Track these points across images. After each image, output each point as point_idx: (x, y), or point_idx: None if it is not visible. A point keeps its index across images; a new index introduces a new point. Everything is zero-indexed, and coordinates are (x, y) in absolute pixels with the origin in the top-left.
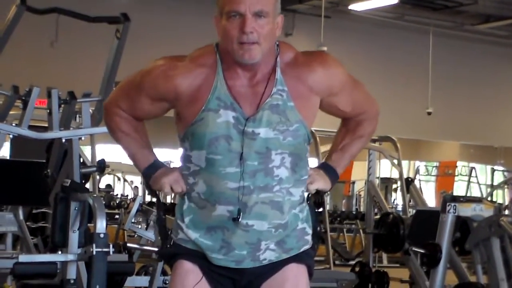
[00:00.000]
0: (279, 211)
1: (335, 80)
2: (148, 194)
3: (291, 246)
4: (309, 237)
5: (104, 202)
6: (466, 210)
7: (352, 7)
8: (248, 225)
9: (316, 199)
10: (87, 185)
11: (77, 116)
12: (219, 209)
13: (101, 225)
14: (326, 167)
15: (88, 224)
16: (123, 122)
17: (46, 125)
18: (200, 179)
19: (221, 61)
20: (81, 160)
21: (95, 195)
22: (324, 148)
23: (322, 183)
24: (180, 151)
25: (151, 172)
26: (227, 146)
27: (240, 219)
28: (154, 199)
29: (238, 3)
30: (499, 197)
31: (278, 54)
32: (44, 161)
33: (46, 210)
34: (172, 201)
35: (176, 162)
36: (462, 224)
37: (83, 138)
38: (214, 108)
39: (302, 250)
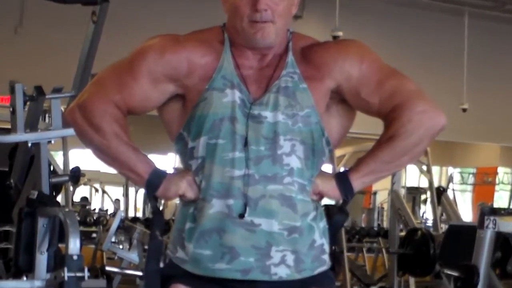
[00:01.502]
0: (291, 209)
1: (353, 60)
2: (151, 206)
3: (305, 266)
4: (326, 257)
5: (78, 218)
6: (508, 225)
7: None
8: (254, 223)
9: (340, 209)
10: (59, 198)
11: (46, 115)
12: (217, 205)
13: (74, 245)
14: (340, 173)
15: (59, 244)
16: (115, 121)
17: (9, 126)
18: (202, 175)
19: (229, 40)
20: (51, 168)
21: (67, 210)
22: (340, 152)
23: (324, 185)
24: (172, 157)
25: (159, 178)
26: (232, 128)
27: (246, 214)
28: (152, 210)
29: None
30: None
31: (290, 39)
32: (6, 169)
33: (9, 229)
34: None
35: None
36: (503, 242)
37: (53, 142)
38: (219, 87)
39: (317, 271)
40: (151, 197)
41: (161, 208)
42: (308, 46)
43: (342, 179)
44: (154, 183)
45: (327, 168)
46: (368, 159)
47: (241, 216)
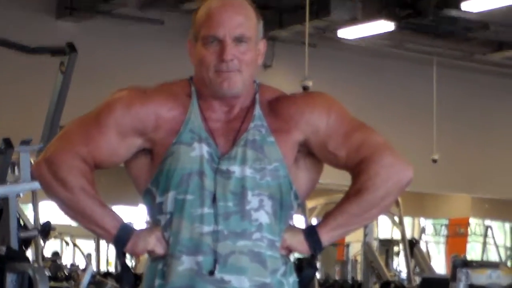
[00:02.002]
0: (261, 266)
1: (320, 113)
2: (120, 262)
3: None
4: None
5: (49, 273)
6: (481, 278)
7: (341, 34)
8: (224, 281)
9: (308, 263)
10: (28, 253)
11: (15, 167)
12: (186, 262)
13: None
14: (308, 227)
15: None
16: (82, 175)
17: None
18: (171, 231)
19: (196, 92)
20: (21, 222)
21: (36, 265)
22: (312, 204)
23: (292, 240)
24: (143, 208)
25: (127, 234)
26: (200, 184)
27: (216, 271)
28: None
29: (216, 27)
30: None
31: (257, 91)
32: None
33: None
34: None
35: (136, 223)
36: None
37: (22, 195)
38: (187, 141)
39: None
40: (120, 253)
41: (133, 262)
42: (275, 99)
43: (310, 233)
44: (122, 238)
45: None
46: (336, 212)
47: (211, 273)
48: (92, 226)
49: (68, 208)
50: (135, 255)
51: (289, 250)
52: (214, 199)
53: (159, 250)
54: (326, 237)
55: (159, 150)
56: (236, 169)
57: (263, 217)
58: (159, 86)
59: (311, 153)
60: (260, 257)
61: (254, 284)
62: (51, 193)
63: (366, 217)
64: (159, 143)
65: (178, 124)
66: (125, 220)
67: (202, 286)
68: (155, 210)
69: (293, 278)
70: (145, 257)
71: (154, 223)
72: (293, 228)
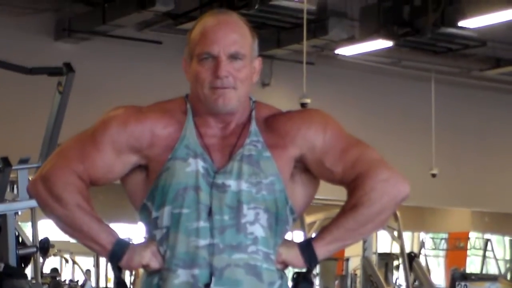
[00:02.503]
0: (257, 278)
1: (316, 130)
2: (115, 277)
3: None
4: None
5: None
6: None
7: (340, 51)
8: None
9: (304, 277)
10: (28, 270)
11: (14, 186)
12: (182, 275)
13: None
14: (304, 241)
15: None
16: (77, 192)
17: None
18: (167, 245)
19: (192, 109)
20: (20, 239)
21: (34, 282)
22: (310, 219)
23: (288, 254)
24: (141, 225)
25: (122, 249)
26: (196, 198)
27: (212, 284)
28: (116, 281)
29: (210, 44)
30: None
31: (253, 108)
32: None
33: None
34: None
35: (135, 239)
36: None
37: (20, 213)
38: (182, 157)
39: None
40: (115, 268)
41: (132, 278)
42: (272, 116)
43: (305, 248)
44: (117, 253)
45: (299, 235)
46: (332, 227)
47: (207, 286)
48: (88, 242)
49: (64, 224)
50: (130, 269)
51: (285, 264)
52: (210, 213)
53: (154, 264)
54: (321, 251)
55: (154, 166)
56: (232, 183)
57: (258, 230)
58: (155, 105)
59: (307, 169)
60: (256, 270)
61: None
62: (47, 210)
63: (361, 232)
64: (154, 160)
65: (174, 141)
66: (122, 236)
67: None
68: (151, 225)
69: None
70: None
71: (150, 238)
72: (288, 242)
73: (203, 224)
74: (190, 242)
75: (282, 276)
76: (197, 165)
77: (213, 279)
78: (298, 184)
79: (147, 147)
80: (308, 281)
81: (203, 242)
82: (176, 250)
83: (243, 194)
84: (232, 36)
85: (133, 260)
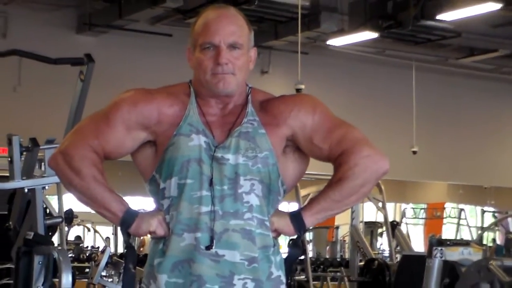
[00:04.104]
0: (251, 242)
1: (307, 111)
2: (124, 242)
3: None
4: (284, 287)
5: (73, 255)
6: (453, 254)
7: (330, 42)
8: (218, 254)
9: (294, 243)
10: (55, 238)
11: (41, 164)
12: (187, 238)
13: (66, 280)
14: (294, 211)
15: (54, 279)
16: (93, 165)
17: (7, 174)
18: (173, 212)
19: (195, 92)
20: (47, 211)
21: (59, 248)
22: (304, 192)
23: (279, 222)
24: (150, 199)
25: (131, 217)
26: (199, 169)
27: (213, 247)
28: (125, 246)
29: (212, 35)
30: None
31: (249, 93)
32: (5, 212)
33: (9, 266)
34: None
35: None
36: (451, 269)
37: (47, 188)
38: (186, 133)
39: None
40: (125, 233)
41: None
42: (266, 100)
43: (295, 217)
44: (127, 221)
45: (294, 206)
46: (319, 198)
47: (208, 247)
48: (101, 210)
49: (81, 194)
50: (138, 235)
51: (278, 232)
52: (211, 183)
53: (160, 231)
54: (309, 219)
55: (161, 141)
56: (230, 156)
57: (253, 199)
58: (161, 88)
59: (298, 148)
60: (251, 234)
61: (245, 258)
62: (66, 181)
63: (346, 202)
64: (161, 135)
65: (179, 118)
66: (135, 207)
67: (200, 259)
68: (159, 195)
69: (279, 257)
70: (149, 238)
71: (158, 207)
72: (280, 212)
73: (205, 193)
74: (193, 209)
75: (275, 243)
76: (200, 140)
77: (214, 241)
78: (289, 160)
79: (154, 124)
80: (298, 246)
81: (205, 209)
82: (181, 216)
83: (240, 167)
84: (231, 27)
85: (141, 227)
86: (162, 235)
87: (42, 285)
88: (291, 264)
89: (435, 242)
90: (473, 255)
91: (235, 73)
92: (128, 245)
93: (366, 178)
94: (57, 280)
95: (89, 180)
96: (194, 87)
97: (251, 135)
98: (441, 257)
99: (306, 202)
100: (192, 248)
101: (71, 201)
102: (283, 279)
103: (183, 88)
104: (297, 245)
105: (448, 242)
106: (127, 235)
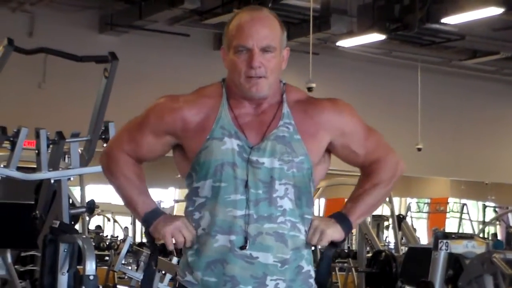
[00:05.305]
0: (284, 244)
1: (346, 119)
2: (147, 242)
3: None
4: (312, 281)
5: (94, 244)
6: (458, 247)
7: (340, 43)
8: (252, 256)
9: (331, 250)
10: (77, 226)
11: (66, 156)
12: (221, 240)
13: (90, 267)
14: (338, 216)
15: (78, 266)
16: (126, 166)
17: (35, 166)
18: (205, 212)
19: (227, 93)
20: (70, 201)
21: (84, 236)
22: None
23: (332, 231)
24: (184, 191)
25: (152, 218)
26: (232, 173)
27: (247, 247)
28: (148, 244)
29: (246, 38)
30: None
31: (284, 91)
32: (32, 202)
33: (35, 253)
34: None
35: (166, 202)
36: (455, 261)
37: (72, 179)
38: (219, 137)
39: None
40: (146, 232)
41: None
42: (304, 101)
43: (344, 223)
44: (147, 222)
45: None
46: (359, 203)
47: (242, 248)
48: (129, 207)
49: (116, 191)
50: (156, 237)
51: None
52: (246, 186)
53: (179, 238)
54: (354, 224)
55: (191, 145)
56: (265, 160)
57: (287, 203)
58: (194, 92)
59: (327, 149)
60: (283, 237)
61: (278, 260)
62: (107, 179)
63: (377, 206)
64: (190, 140)
65: (210, 122)
66: (156, 206)
67: (233, 261)
68: (193, 192)
69: (309, 252)
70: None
71: (190, 202)
72: (328, 221)
73: (240, 197)
74: (228, 212)
75: (307, 246)
76: (232, 143)
77: (248, 243)
78: (321, 162)
79: (180, 131)
80: (337, 246)
81: (239, 212)
82: (216, 218)
83: (275, 171)
84: (264, 31)
85: (158, 230)
86: (180, 242)
87: (67, 271)
88: (329, 264)
89: (441, 235)
90: (477, 248)
91: (267, 75)
92: (151, 244)
93: (395, 183)
94: (81, 267)
95: (120, 179)
96: (227, 86)
97: (287, 140)
98: (447, 250)
99: (317, 195)
100: (226, 250)
101: (92, 192)
102: (312, 273)
103: (216, 89)
104: (336, 245)
105: (453, 236)
106: (148, 235)
